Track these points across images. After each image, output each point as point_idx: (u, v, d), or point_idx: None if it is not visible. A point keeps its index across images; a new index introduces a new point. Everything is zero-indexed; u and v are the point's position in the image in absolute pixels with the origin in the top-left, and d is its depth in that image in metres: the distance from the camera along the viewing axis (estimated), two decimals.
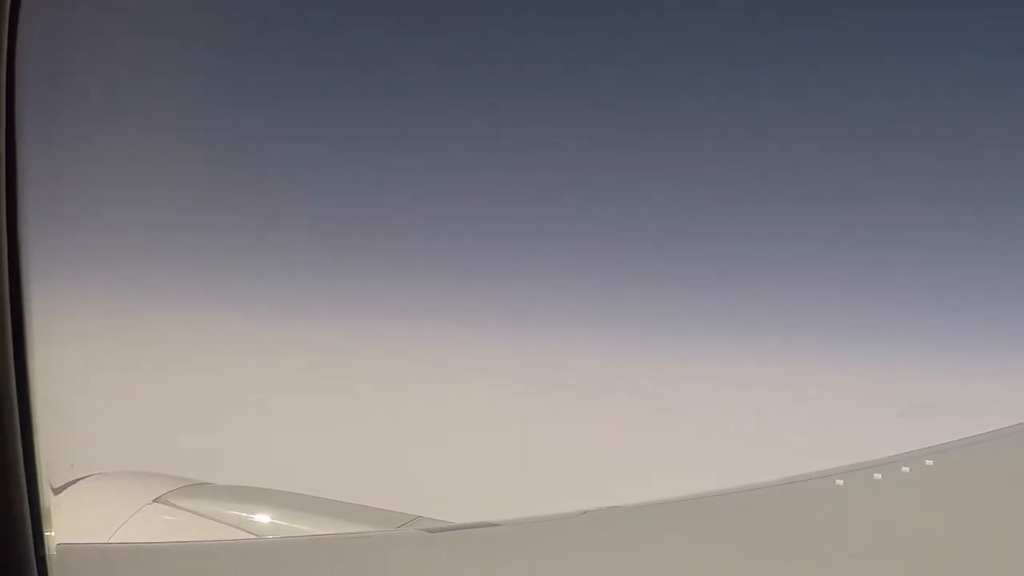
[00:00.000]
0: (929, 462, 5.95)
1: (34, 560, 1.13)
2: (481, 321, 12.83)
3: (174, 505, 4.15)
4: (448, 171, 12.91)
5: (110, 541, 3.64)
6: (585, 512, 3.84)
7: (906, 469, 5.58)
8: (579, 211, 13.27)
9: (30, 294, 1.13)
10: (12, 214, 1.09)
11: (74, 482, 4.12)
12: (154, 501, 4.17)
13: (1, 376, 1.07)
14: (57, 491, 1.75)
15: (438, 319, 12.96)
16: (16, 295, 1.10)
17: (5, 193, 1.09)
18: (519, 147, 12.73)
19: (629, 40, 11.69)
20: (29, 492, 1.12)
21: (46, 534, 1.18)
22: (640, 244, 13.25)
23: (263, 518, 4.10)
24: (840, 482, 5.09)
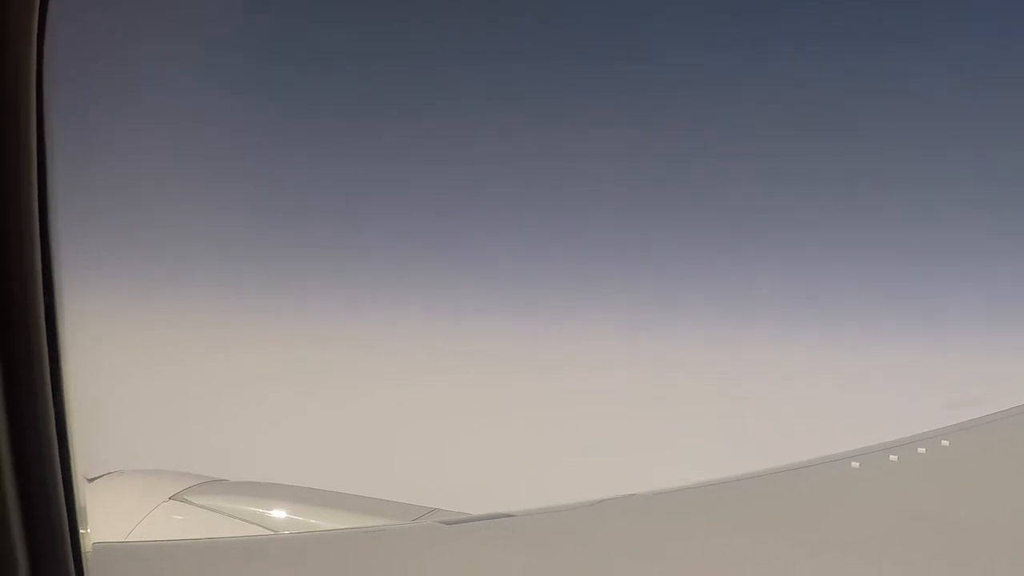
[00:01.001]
0: (945, 442, 5.94)
1: (71, 559, 1.13)
2: (475, 316, 12.85)
3: (190, 502, 4.15)
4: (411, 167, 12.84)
5: (127, 539, 3.64)
6: (602, 501, 3.84)
7: (922, 450, 5.57)
8: (587, 208, 13.25)
9: (62, 296, 1.13)
10: (44, 214, 1.09)
11: (91, 480, 4.13)
12: (170, 499, 4.17)
13: (37, 376, 1.06)
14: None
15: (437, 314, 12.99)
16: (49, 298, 1.09)
17: (37, 192, 1.08)
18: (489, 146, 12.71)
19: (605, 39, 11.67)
20: (66, 491, 1.11)
21: (82, 532, 1.18)
22: (662, 237, 13.24)
23: (279, 513, 4.10)
24: (856, 464, 5.08)
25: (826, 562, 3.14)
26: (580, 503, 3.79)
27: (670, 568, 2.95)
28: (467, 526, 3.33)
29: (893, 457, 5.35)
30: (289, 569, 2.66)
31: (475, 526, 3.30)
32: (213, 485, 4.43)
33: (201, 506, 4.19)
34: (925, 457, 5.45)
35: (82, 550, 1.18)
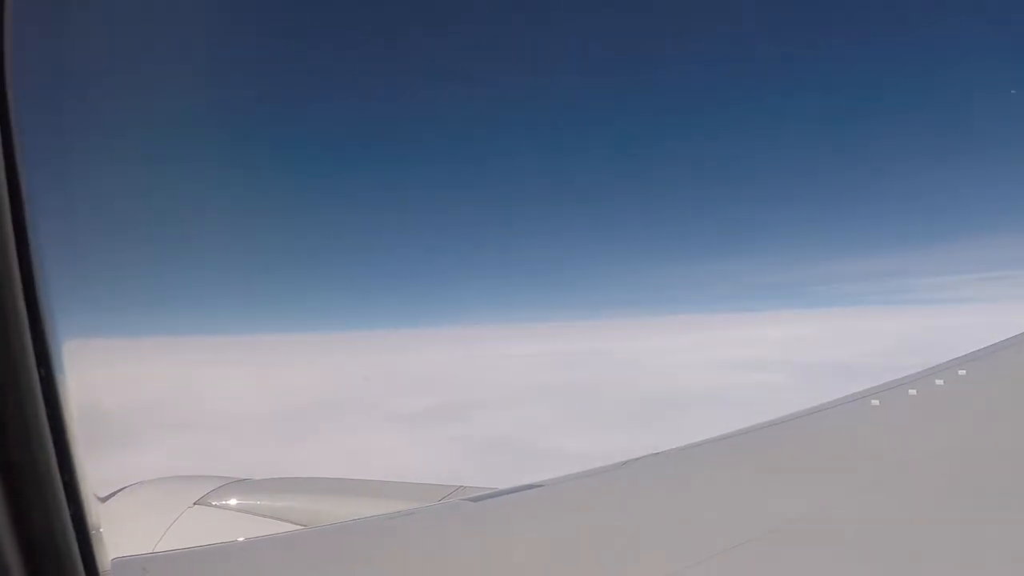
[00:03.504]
0: (962, 372, 5.90)
1: None
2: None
3: (216, 505, 4.13)
4: None
5: (156, 549, 3.62)
6: (627, 462, 3.81)
7: (940, 382, 5.53)
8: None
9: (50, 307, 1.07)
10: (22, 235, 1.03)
11: (114, 494, 4.11)
12: (194, 504, 4.15)
13: (30, 394, 1.01)
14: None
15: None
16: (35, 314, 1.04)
17: (26, 213, 1.03)
18: None
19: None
20: (73, 512, 1.06)
21: (97, 550, 1.13)
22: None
23: (306, 507, 4.08)
24: (876, 402, 5.05)
25: (862, 500, 3.11)
26: (605, 466, 3.76)
27: (704, 521, 2.92)
28: (497, 500, 3.29)
29: (912, 391, 5.32)
30: (325, 562, 2.63)
31: (505, 499, 3.26)
32: (236, 485, 4.40)
33: (227, 508, 4.16)
34: (944, 388, 5.42)
35: (99, 569, 1.13)
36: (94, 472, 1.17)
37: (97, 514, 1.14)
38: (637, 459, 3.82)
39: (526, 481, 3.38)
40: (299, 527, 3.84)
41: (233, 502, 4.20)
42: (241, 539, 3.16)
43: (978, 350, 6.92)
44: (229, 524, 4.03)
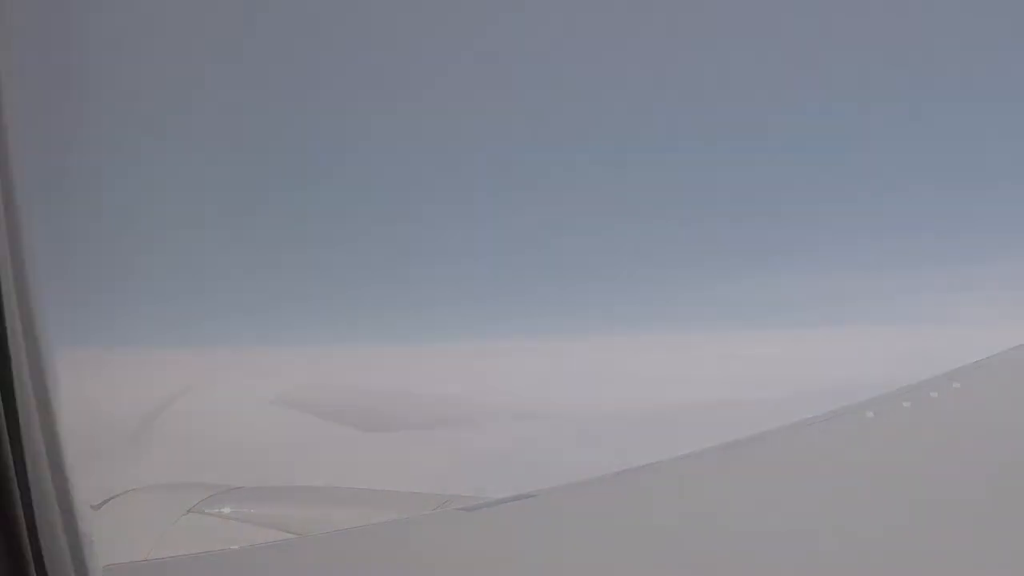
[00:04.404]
0: (956, 384, 5.92)
1: None
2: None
3: (210, 513, 4.12)
4: None
5: (149, 557, 3.61)
6: (622, 472, 3.81)
7: (934, 394, 5.54)
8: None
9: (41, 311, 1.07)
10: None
11: (106, 501, 4.10)
12: (188, 511, 4.14)
13: (22, 400, 1.01)
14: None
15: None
16: (27, 316, 1.04)
17: (21, 218, 1.03)
18: None
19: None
20: (65, 519, 1.06)
21: (89, 558, 1.12)
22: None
23: (300, 515, 4.07)
24: (871, 414, 5.05)
25: (854, 512, 3.12)
26: (600, 476, 3.76)
27: (698, 531, 2.92)
28: (490, 510, 3.29)
29: (906, 404, 5.32)
30: (318, 570, 2.63)
31: (499, 509, 3.26)
32: (231, 493, 4.39)
33: (221, 516, 4.15)
34: (938, 400, 5.43)
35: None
36: (87, 479, 1.17)
37: (89, 521, 1.14)
38: (631, 469, 3.83)
39: (520, 491, 3.37)
40: (293, 535, 3.83)
41: (227, 510, 4.19)
42: (235, 547, 3.15)
43: (972, 363, 6.94)
44: (224, 532, 4.02)
